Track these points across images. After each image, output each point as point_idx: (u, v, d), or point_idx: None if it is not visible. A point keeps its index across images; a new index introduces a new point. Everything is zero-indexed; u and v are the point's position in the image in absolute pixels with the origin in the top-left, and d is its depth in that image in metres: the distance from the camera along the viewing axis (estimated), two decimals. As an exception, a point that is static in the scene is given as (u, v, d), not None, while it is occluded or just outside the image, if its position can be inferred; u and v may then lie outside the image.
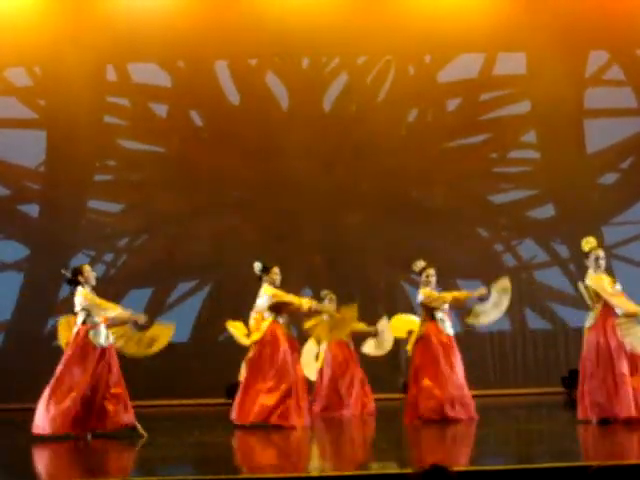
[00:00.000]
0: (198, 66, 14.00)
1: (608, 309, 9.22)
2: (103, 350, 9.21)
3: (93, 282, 9.39)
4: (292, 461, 8.28)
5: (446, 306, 10.14)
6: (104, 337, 9.24)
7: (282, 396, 9.67)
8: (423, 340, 10.04)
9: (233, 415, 9.76)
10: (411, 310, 12.63)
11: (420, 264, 10.25)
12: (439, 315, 10.04)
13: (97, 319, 9.24)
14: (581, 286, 9.59)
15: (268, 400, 9.69)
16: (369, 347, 11.55)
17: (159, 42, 13.65)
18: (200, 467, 7.96)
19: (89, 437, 9.11)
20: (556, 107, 13.94)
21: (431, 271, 10.18)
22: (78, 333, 9.24)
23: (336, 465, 7.85)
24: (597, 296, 9.33)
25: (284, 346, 9.74)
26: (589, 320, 9.37)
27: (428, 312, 10.08)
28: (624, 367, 9.04)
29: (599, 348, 9.12)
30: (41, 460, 8.43)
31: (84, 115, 13.64)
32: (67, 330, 9.52)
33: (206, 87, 13.94)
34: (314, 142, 13.90)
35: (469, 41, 13.75)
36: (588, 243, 9.50)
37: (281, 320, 9.96)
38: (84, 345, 9.20)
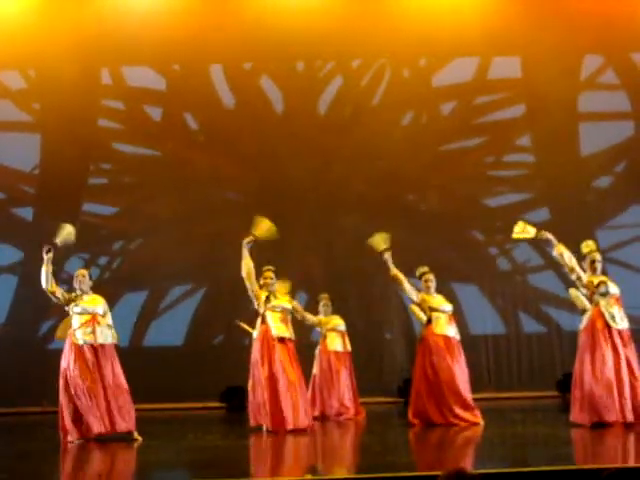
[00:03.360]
0: (193, 69, 14.00)
1: (599, 312, 9.25)
2: (93, 348, 9.30)
3: (83, 285, 9.45)
4: (287, 465, 8.28)
5: (447, 308, 10.17)
6: (80, 336, 9.32)
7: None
8: (422, 343, 10.11)
9: None
10: (405, 312, 12.64)
11: (421, 269, 10.32)
12: (434, 315, 10.10)
13: (73, 321, 9.40)
14: (572, 292, 9.63)
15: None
16: None
17: (154, 45, 13.63)
18: (195, 471, 7.96)
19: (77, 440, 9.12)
20: (551, 110, 13.96)
21: (430, 276, 10.25)
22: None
23: (331, 469, 7.85)
24: (590, 299, 9.37)
25: (264, 350, 9.70)
26: (582, 323, 9.43)
27: (427, 315, 10.16)
28: (611, 371, 9.07)
29: (589, 351, 9.17)
30: (39, 464, 8.41)
31: (79, 118, 13.62)
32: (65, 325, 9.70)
33: (201, 90, 13.94)
34: (309, 145, 13.90)
35: (464, 45, 13.75)
36: (587, 246, 9.58)
37: (272, 323, 9.85)
38: (71, 344, 9.33)
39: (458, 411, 9.81)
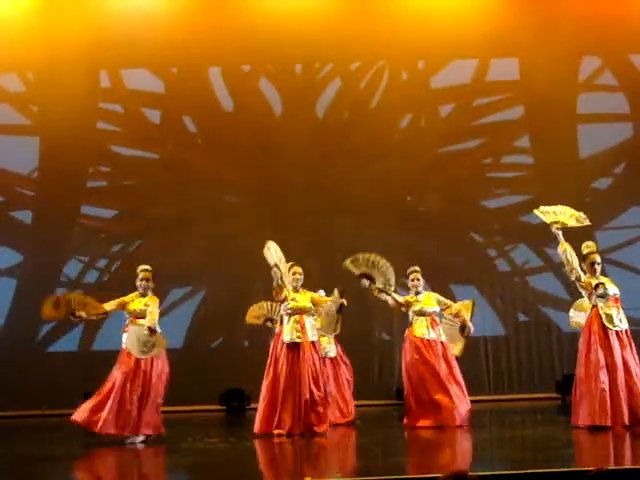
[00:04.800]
0: (191, 72, 13.99)
1: (597, 314, 9.26)
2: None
3: (139, 284, 9.70)
4: (288, 467, 8.27)
5: (430, 310, 10.11)
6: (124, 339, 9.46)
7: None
8: (404, 344, 10.11)
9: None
10: (404, 314, 12.62)
11: (410, 268, 10.34)
12: (414, 318, 10.04)
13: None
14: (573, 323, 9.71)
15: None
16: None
17: (152, 48, 13.65)
18: (194, 474, 7.96)
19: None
20: (549, 112, 13.97)
21: (417, 275, 10.25)
22: None
23: (331, 472, 7.84)
24: (589, 300, 9.39)
25: (274, 352, 9.66)
26: (582, 324, 9.46)
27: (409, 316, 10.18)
28: (605, 374, 9.07)
29: (585, 353, 9.19)
30: (40, 467, 8.41)
31: (77, 121, 13.61)
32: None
33: (199, 93, 13.94)
34: (307, 148, 13.90)
35: (462, 47, 13.76)
36: (587, 247, 9.59)
37: (285, 328, 9.76)
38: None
39: (439, 397, 9.77)
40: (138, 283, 9.74)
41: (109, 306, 9.72)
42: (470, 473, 4.77)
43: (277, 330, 9.90)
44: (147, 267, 9.86)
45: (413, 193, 14.23)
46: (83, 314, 9.52)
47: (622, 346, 9.20)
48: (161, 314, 13.56)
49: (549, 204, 13.96)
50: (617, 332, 9.23)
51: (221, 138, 13.96)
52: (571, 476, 6.42)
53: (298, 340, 9.58)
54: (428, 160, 14.06)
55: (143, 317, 9.55)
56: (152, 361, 9.45)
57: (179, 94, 13.93)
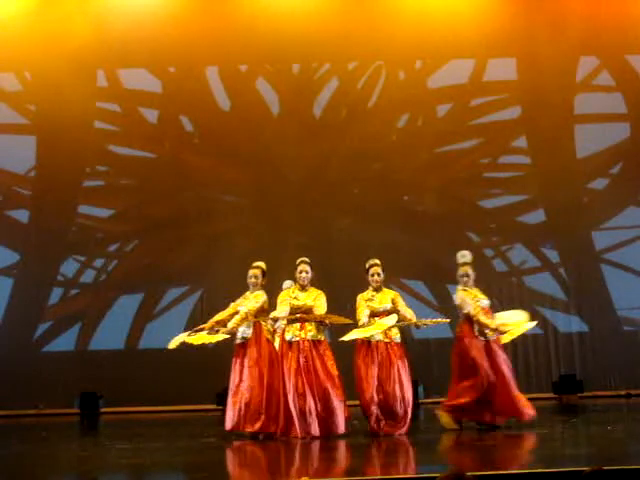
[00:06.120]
0: (189, 72, 13.99)
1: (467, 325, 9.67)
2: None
3: (248, 282, 9.75)
4: (281, 469, 8.28)
5: (380, 309, 9.75)
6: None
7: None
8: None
9: None
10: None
11: (370, 262, 9.88)
12: (364, 320, 9.75)
13: None
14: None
15: None
16: None
17: (150, 48, 13.67)
18: (190, 473, 7.96)
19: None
20: (546, 112, 13.99)
21: (377, 270, 9.79)
22: None
23: (328, 472, 7.85)
24: None
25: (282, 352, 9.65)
26: None
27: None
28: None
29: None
30: (33, 467, 8.41)
31: (74, 120, 13.61)
32: None
33: (197, 93, 13.94)
34: (305, 147, 13.90)
35: (460, 47, 13.78)
36: (463, 257, 9.75)
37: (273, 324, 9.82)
38: None
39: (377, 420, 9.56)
40: (248, 281, 9.72)
41: (232, 309, 9.70)
42: (468, 473, 4.78)
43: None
44: (258, 264, 9.83)
45: (410, 193, 14.23)
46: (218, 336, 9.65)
47: (494, 353, 9.71)
48: (158, 314, 13.65)
49: (547, 204, 14.00)
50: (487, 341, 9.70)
51: (218, 138, 13.96)
52: (570, 476, 6.43)
53: (297, 339, 9.55)
54: (425, 160, 14.07)
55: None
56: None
57: (176, 94, 13.94)
